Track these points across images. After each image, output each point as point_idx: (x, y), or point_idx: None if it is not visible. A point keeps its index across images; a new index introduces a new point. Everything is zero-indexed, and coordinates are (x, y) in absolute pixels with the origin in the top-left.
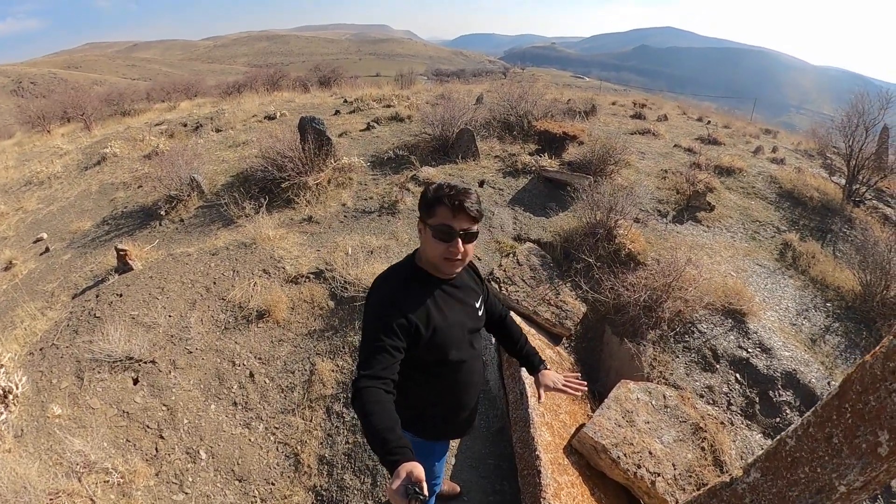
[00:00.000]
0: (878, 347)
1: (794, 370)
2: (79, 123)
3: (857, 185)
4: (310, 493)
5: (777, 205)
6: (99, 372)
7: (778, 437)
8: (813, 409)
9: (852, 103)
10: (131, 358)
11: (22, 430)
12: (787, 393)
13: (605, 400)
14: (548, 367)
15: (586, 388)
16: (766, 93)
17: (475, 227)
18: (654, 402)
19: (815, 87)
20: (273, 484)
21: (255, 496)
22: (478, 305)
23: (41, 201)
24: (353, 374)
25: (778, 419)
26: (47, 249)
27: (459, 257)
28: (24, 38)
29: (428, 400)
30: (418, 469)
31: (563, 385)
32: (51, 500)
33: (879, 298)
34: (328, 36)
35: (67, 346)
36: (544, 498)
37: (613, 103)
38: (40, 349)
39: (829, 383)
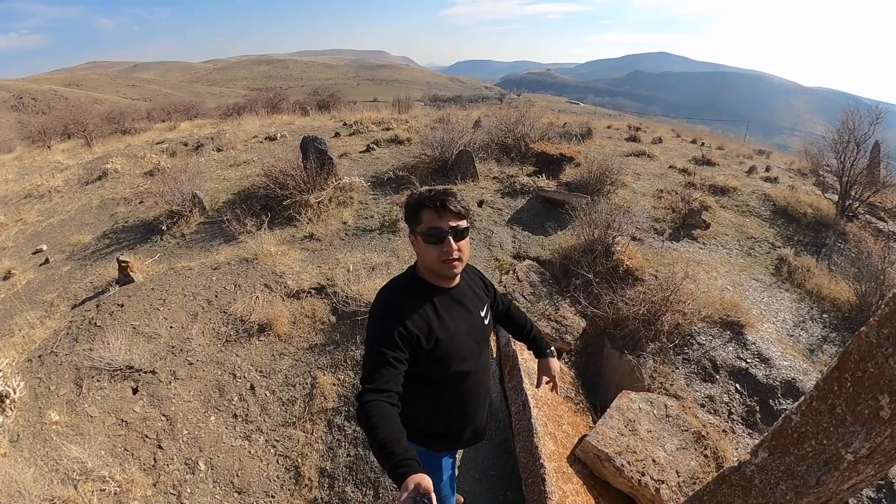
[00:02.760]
0: (872, 317)
1: (794, 379)
2: (79, 140)
3: (850, 201)
4: None
5: (771, 222)
6: (98, 380)
7: (783, 415)
8: (815, 384)
9: (842, 120)
10: (131, 367)
11: (18, 436)
12: (787, 401)
13: (608, 410)
14: (555, 354)
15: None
16: (760, 115)
17: (464, 224)
18: (655, 412)
19: (807, 109)
20: (273, 497)
21: None
22: (483, 314)
23: (41, 214)
24: (356, 388)
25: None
26: (47, 261)
27: (455, 256)
28: (26, 53)
29: (434, 412)
30: (426, 480)
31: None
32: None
33: (875, 308)
34: (327, 61)
35: (67, 353)
36: None
37: (609, 127)
38: (39, 356)
39: None
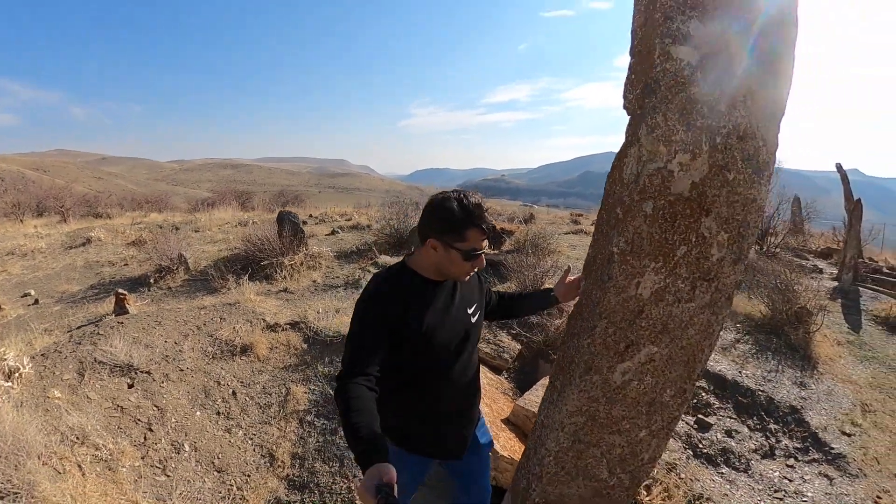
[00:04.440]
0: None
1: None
2: (53, 217)
3: (767, 246)
4: (283, 481)
5: None
6: (99, 372)
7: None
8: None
9: None
10: (130, 365)
11: (22, 403)
12: (701, 381)
13: (533, 386)
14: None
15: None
16: None
17: None
18: None
19: None
20: (249, 476)
21: (231, 484)
22: (471, 311)
23: (25, 269)
24: (326, 396)
25: (696, 401)
26: (36, 301)
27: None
28: None
29: (414, 408)
30: (391, 471)
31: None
32: (43, 458)
33: (784, 313)
34: (290, 168)
35: (71, 351)
36: None
37: (554, 216)
38: (43, 354)
39: (739, 371)
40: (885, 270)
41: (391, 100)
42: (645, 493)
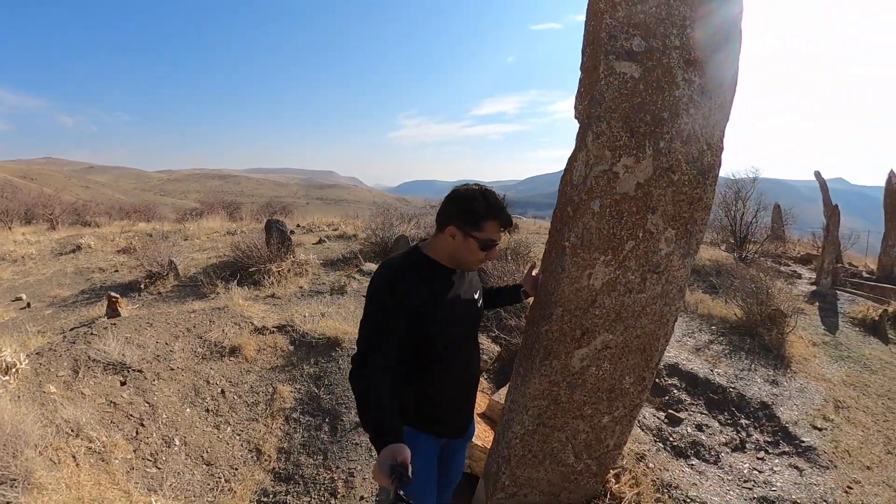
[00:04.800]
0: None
1: (677, 363)
2: (42, 225)
3: (745, 252)
4: (269, 473)
5: None
6: (93, 370)
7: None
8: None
9: (727, 185)
10: (123, 364)
11: (19, 397)
12: (673, 378)
13: (508, 382)
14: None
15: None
16: None
17: None
18: None
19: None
20: (236, 469)
21: (220, 477)
22: (477, 297)
23: (16, 274)
24: (311, 395)
25: (667, 397)
26: (28, 305)
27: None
28: None
29: (426, 388)
30: (405, 451)
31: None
32: (39, 448)
33: (758, 315)
34: (278, 179)
35: (66, 350)
36: None
37: (539, 226)
38: (38, 353)
39: (711, 370)
40: (864, 275)
41: (380, 112)
42: (613, 480)
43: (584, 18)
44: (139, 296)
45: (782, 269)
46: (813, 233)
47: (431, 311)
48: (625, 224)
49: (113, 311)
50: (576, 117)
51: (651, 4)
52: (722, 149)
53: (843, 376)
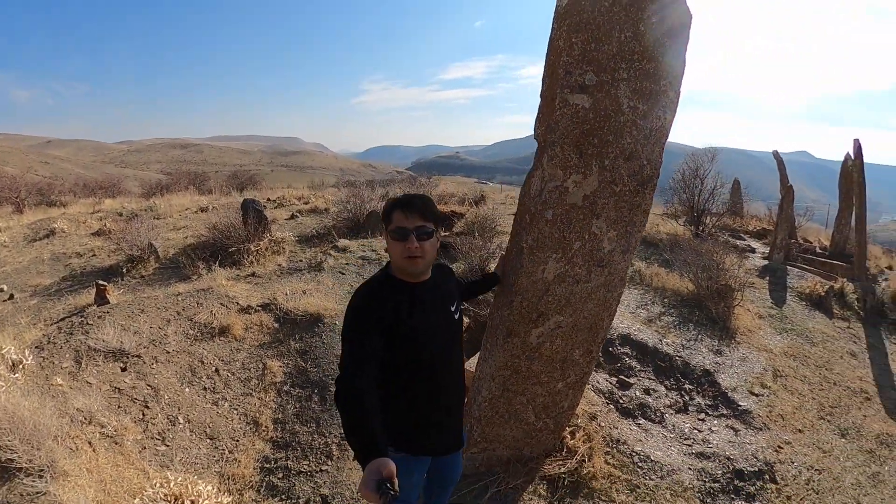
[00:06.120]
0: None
1: (629, 333)
2: (7, 208)
3: (702, 227)
4: (268, 442)
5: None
6: (95, 359)
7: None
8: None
9: (685, 162)
10: (122, 351)
11: (29, 392)
12: (625, 347)
13: (478, 353)
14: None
15: None
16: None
17: (429, 226)
18: None
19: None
20: (238, 440)
21: (223, 449)
22: (453, 309)
23: None
24: (299, 368)
25: (619, 364)
26: (12, 296)
27: (418, 254)
28: None
29: (405, 405)
30: (390, 465)
31: None
32: (58, 438)
33: (706, 288)
34: (241, 146)
35: (65, 341)
36: None
37: (506, 196)
38: (37, 346)
39: (660, 340)
40: (816, 250)
41: (344, 76)
42: (569, 436)
43: (546, 51)
44: (122, 280)
45: (738, 243)
46: (770, 208)
47: (400, 328)
48: (573, 228)
49: (102, 299)
50: (535, 138)
51: (605, 45)
52: (660, 162)
53: (784, 347)
